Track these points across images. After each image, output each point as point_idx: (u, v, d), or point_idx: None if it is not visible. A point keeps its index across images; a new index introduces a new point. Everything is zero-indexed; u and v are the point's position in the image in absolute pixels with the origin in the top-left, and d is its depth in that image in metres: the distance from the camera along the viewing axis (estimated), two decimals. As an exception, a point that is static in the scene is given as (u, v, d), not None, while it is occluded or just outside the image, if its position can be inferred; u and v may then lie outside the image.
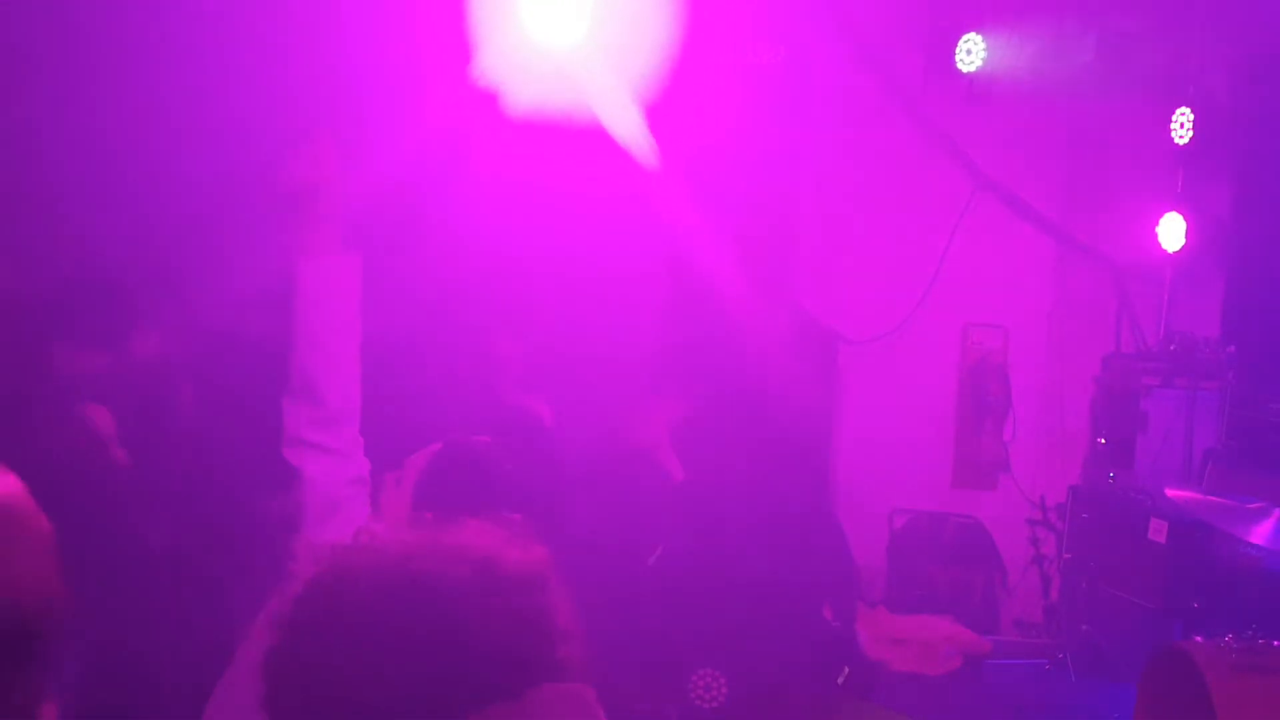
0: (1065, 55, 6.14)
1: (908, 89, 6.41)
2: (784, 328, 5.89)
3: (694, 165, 5.48)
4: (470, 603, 1.35)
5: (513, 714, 1.33)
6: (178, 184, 4.54)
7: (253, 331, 3.55)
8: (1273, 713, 3.97)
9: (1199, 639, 4.34)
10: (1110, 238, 6.59)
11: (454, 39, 4.71)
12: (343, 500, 2.37)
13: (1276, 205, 6.12)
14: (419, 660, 1.32)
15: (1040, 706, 5.55)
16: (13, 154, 4.64)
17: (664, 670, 3.45)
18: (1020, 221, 6.58)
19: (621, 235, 5.43)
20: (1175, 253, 6.45)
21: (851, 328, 6.45)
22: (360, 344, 2.47)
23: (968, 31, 6.19)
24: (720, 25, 5.36)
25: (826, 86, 6.29)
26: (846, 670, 4.51)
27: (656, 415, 4.48)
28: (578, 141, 5.04)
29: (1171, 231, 6.42)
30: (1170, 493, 4.83)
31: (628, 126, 5.12)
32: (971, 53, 6.20)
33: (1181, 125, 6.36)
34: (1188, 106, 6.35)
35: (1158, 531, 5.59)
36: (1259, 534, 4.41)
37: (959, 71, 6.23)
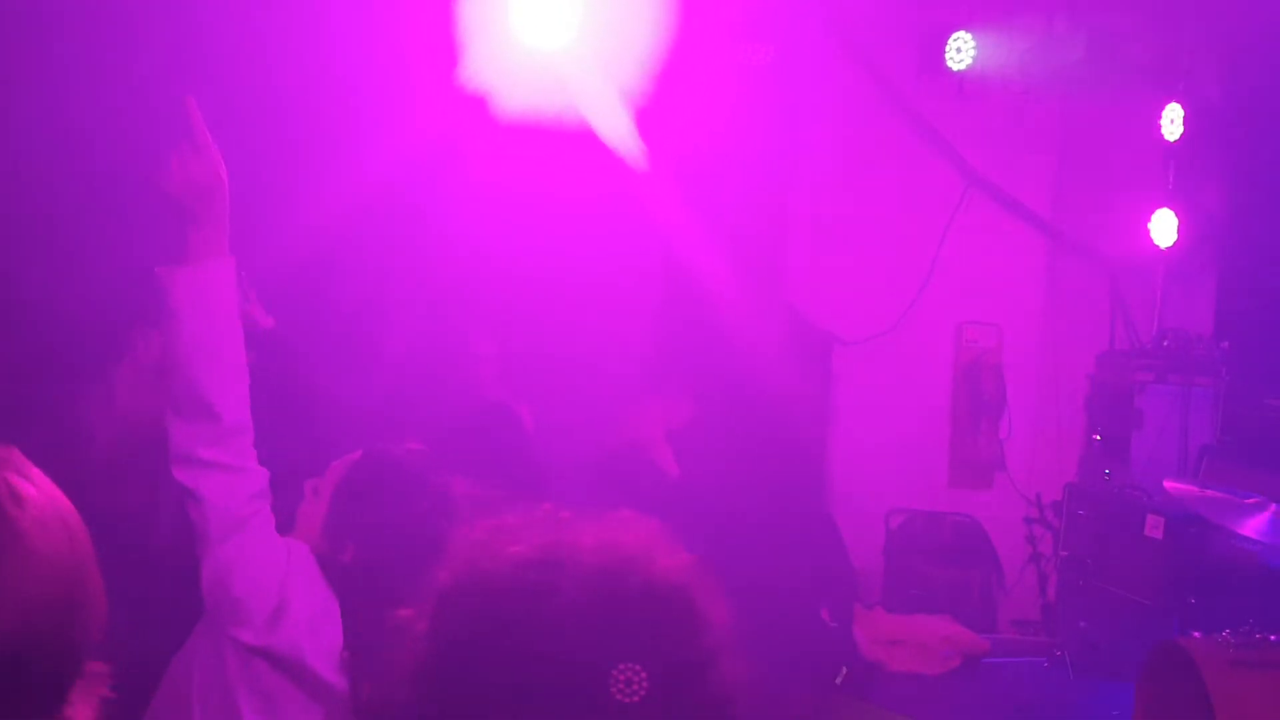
0: (1055, 53, 6.14)
1: (899, 87, 6.40)
2: (777, 328, 5.88)
3: (685, 166, 5.47)
4: (618, 613, 1.30)
5: None
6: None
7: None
8: (1270, 707, 3.96)
9: (1196, 635, 4.34)
10: (1103, 234, 6.58)
11: (442, 43, 4.70)
12: (246, 517, 2.27)
13: (1268, 200, 6.12)
14: (570, 673, 1.28)
15: (1039, 705, 5.54)
16: None
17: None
18: (1012, 219, 6.58)
19: (612, 236, 5.42)
20: (1168, 249, 6.44)
21: (845, 328, 6.44)
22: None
23: (958, 30, 6.20)
24: (710, 25, 5.35)
25: (817, 85, 6.27)
26: (844, 670, 4.52)
27: (651, 412, 4.46)
28: (568, 143, 5.03)
29: (1163, 228, 6.42)
30: (1168, 485, 4.82)
31: (617, 128, 5.11)
32: (962, 51, 6.20)
33: (1172, 121, 6.36)
34: (1178, 103, 6.35)
35: (1154, 528, 5.58)
36: (1255, 528, 4.40)
37: (949, 70, 6.23)
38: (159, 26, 4.65)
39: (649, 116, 5.18)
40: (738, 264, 5.63)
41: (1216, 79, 6.39)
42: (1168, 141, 6.40)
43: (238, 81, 4.67)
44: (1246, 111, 6.25)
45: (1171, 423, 6.29)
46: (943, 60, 6.23)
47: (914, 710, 5.35)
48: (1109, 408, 6.48)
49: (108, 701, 1.29)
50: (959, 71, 6.23)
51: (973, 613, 6.24)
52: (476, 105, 4.85)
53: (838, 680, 3.66)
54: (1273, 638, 4.19)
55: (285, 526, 2.43)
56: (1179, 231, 6.42)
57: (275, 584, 2.30)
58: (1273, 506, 4.42)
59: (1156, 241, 6.45)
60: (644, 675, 1.27)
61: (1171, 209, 6.43)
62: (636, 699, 1.26)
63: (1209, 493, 4.69)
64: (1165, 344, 6.43)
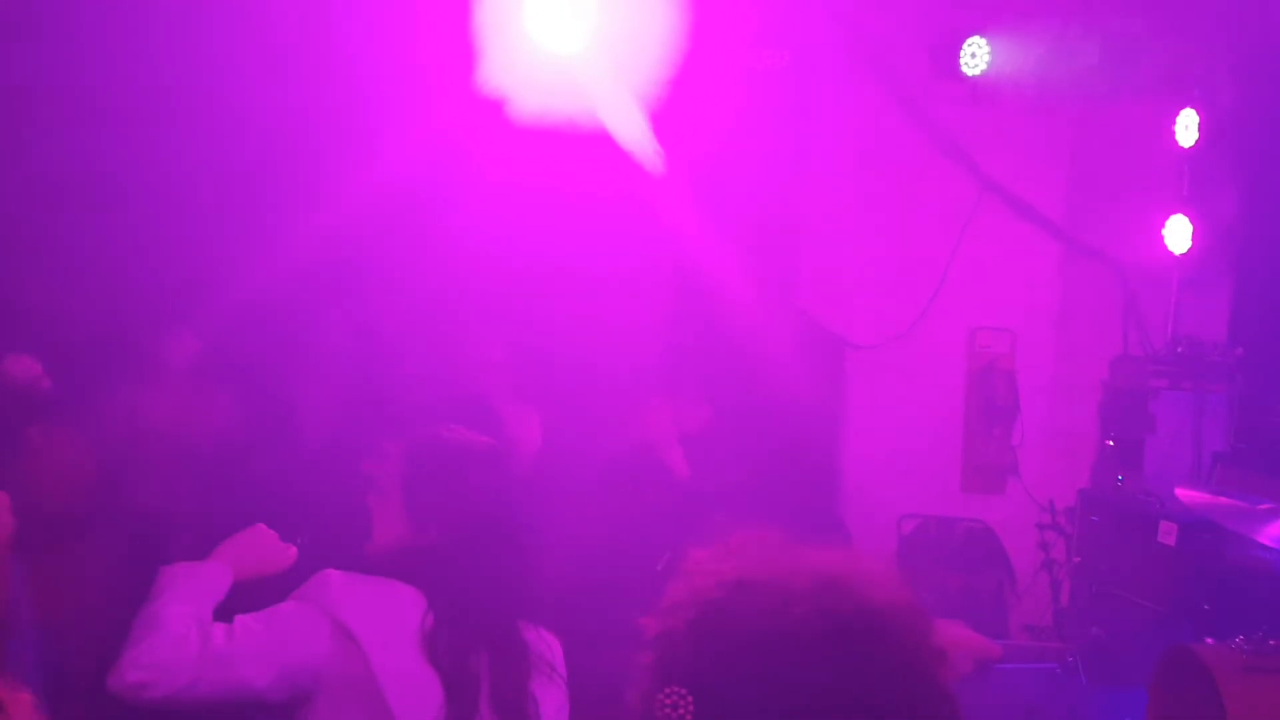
0: (1069, 58, 6.13)
1: (912, 93, 6.39)
2: (789, 332, 5.88)
3: (698, 170, 5.47)
4: (841, 646, 1.31)
5: None
6: (176, 187, 4.56)
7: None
8: (1285, 714, 3.95)
9: (1209, 641, 4.32)
10: (1116, 240, 6.57)
11: (458, 46, 4.72)
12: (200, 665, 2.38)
13: (1283, 207, 6.11)
14: (790, 691, 1.29)
15: (1051, 710, 5.52)
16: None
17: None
18: (1026, 225, 6.56)
19: (625, 239, 5.43)
20: (1182, 255, 6.43)
21: (858, 333, 6.43)
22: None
23: (971, 35, 6.18)
24: (724, 30, 5.35)
25: (831, 90, 6.27)
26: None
27: (662, 413, 4.47)
28: (582, 147, 5.04)
29: (1178, 234, 6.41)
30: (1180, 493, 4.81)
31: (632, 132, 5.13)
32: (976, 56, 6.19)
33: (1186, 127, 6.35)
34: (1193, 108, 6.33)
35: (1167, 534, 5.57)
36: (1268, 535, 4.39)
37: (963, 75, 6.21)
38: (174, 29, 4.68)
39: (663, 120, 5.19)
40: (750, 268, 5.64)
41: (1231, 85, 6.37)
42: (1182, 147, 6.39)
43: (254, 85, 4.70)
44: (1262, 117, 6.24)
45: (1185, 429, 6.28)
46: (957, 65, 6.22)
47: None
48: (1122, 413, 6.46)
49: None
50: (973, 77, 6.21)
51: (985, 618, 6.22)
52: (492, 108, 4.87)
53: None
54: (1286, 644, 4.17)
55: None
56: (1193, 238, 6.40)
57: (312, 643, 2.40)
58: (1286, 513, 4.41)
59: (1171, 248, 6.43)
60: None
61: (1186, 215, 6.41)
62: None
63: (1222, 499, 4.68)
64: (1179, 350, 6.41)
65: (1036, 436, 6.61)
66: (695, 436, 4.63)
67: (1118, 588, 5.87)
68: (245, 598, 2.49)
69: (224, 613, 2.42)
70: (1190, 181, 6.47)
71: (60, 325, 4.19)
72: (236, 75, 4.67)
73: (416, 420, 2.93)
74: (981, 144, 6.46)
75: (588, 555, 3.86)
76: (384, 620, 2.42)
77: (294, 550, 2.58)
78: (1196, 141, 6.34)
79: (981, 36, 6.18)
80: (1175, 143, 6.38)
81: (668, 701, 1.29)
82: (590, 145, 5.07)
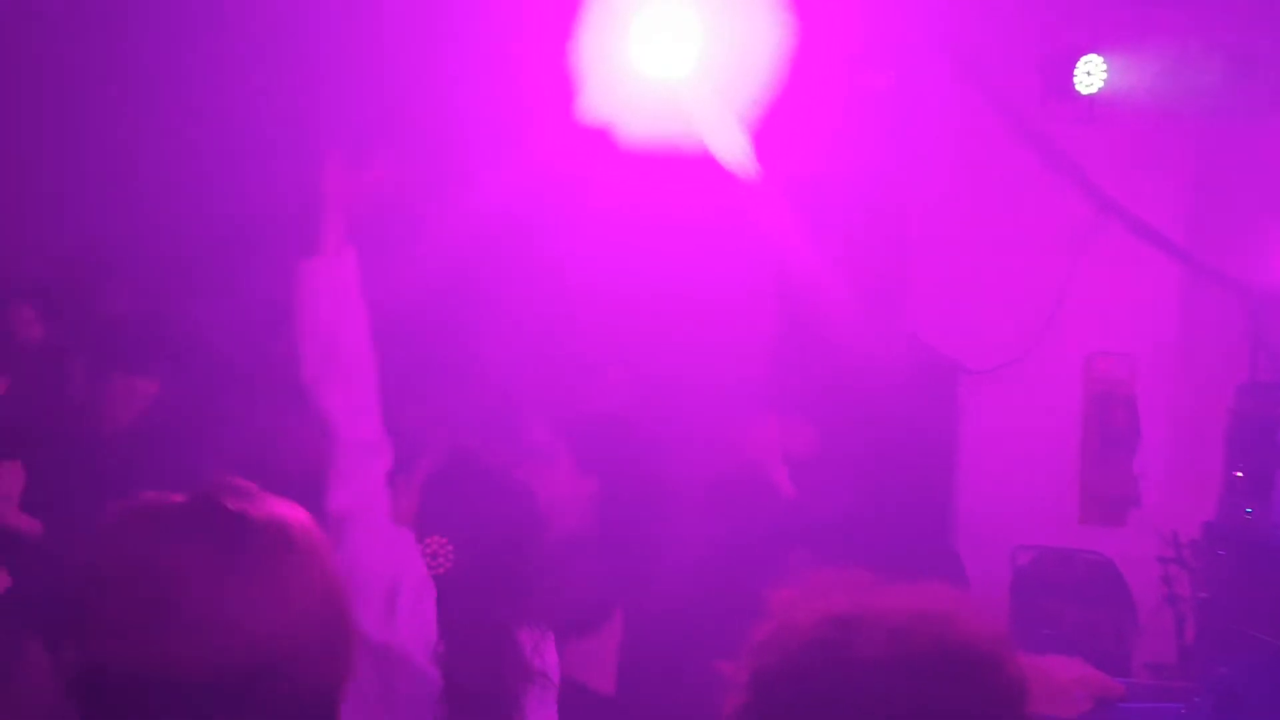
0: (1190, 75, 5.98)
1: (1024, 112, 6.28)
2: (899, 355, 5.80)
3: (803, 192, 5.44)
4: (939, 683, 1.31)
5: None
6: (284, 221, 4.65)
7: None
8: None
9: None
10: (1242, 262, 6.34)
11: (561, 74, 4.74)
12: (377, 507, 2.44)
13: None
14: None
15: (1177, 752, 5.31)
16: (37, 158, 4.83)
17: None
18: (1145, 246, 6.38)
19: (728, 262, 5.41)
20: (1313, 277, 6.19)
21: (971, 357, 6.31)
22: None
23: (1086, 53, 6.07)
24: (829, 51, 5.31)
25: (940, 110, 6.20)
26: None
27: (768, 432, 4.43)
28: (686, 170, 5.03)
29: (1308, 255, 6.17)
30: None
31: (735, 154, 5.09)
32: (1091, 74, 6.06)
33: (1316, 144, 6.12)
34: (1321, 125, 6.11)
35: (1300, 569, 5.34)
36: None
37: (1078, 93, 6.09)
38: (281, 64, 4.78)
39: (767, 142, 5.16)
40: (859, 290, 5.57)
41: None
42: (1311, 166, 6.16)
43: (360, 116, 4.78)
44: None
45: (1318, 459, 6.02)
46: (1071, 84, 6.10)
47: (1043, 754, 5.17)
48: (1250, 443, 6.21)
49: None
50: (1089, 95, 6.09)
51: (1105, 655, 6.01)
52: (596, 135, 4.89)
53: None
54: None
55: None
56: (1324, 258, 6.16)
57: (389, 572, 2.42)
58: None
59: (1299, 269, 6.20)
60: None
61: (1315, 235, 6.18)
62: None
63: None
64: (1311, 376, 6.17)
65: (1159, 466, 6.41)
66: (803, 460, 4.57)
67: (1246, 625, 5.63)
68: None
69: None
70: (1319, 200, 6.23)
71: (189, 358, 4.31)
72: (343, 107, 4.75)
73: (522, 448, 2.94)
74: (1098, 163, 6.32)
75: (696, 575, 3.82)
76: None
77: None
78: (1326, 159, 6.10)
79: (1097, 54, 6.06)
80: (1303, 161, 6.15)
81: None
82: (694, 168, 5.05)
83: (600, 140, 4.88)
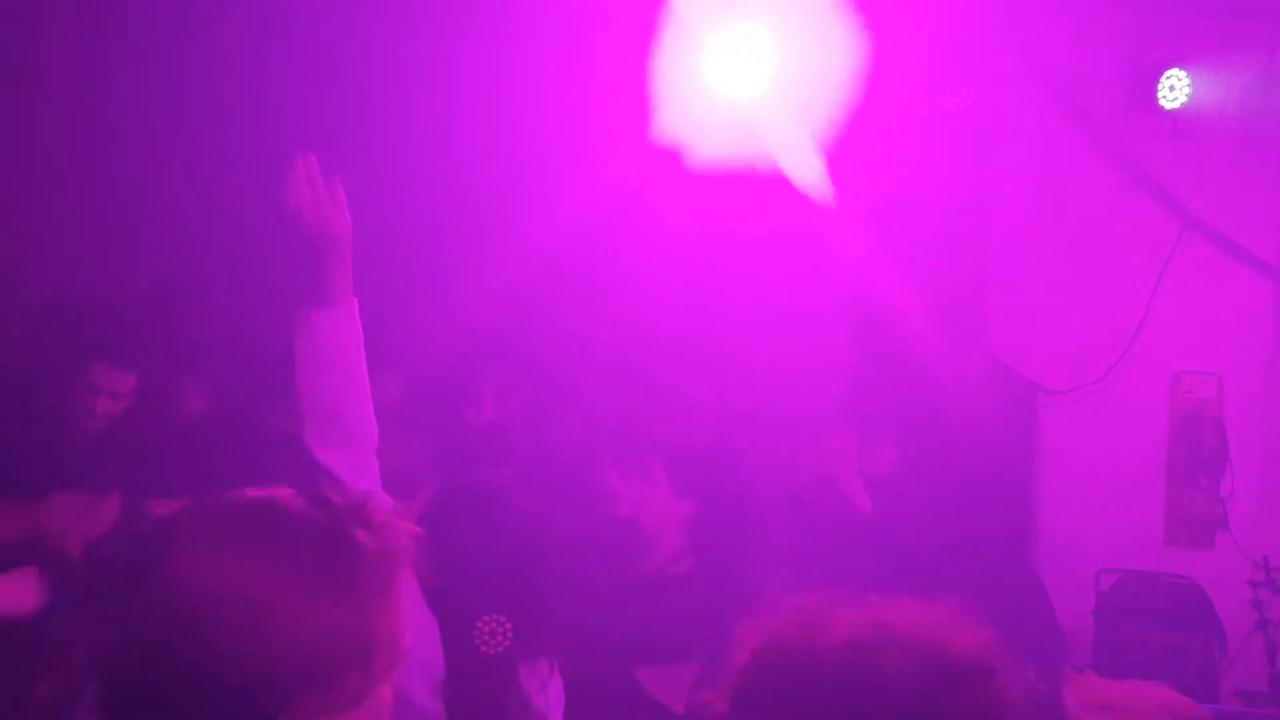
0: (1276, 88, 5.87)
1: (1107, 128, 6.19)
2: (978, 374, 5.74)
3: (879, 211, 5.41)
4: (920, 697, 1.33)
5: None
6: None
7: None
8: None
9: None
10: (1334, 278, 6.20)
11: (635, 95, 4.77)
12: None
13: None
14: None
15: (1269, 783, 5.16)
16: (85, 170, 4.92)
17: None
18: (1233, 263, 6.25)
19: (805, 283, 5.39)
20: None
21: (1052, 377, 6.21)
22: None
23: (1170, 67, 5.97)
24: (906, 70, 5.28)
25: (1020, 127, 6.14)
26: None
27: (845, 445, 4.40)
28: (760, 191, 5.03)
29: (1404, 271, 6.01)
30: None
31: (810, 174, 5.08)
32: (1175, 89, 5.97)
33: None
34: None
35: (1399, 594, 5.17)
36: None
37: (1161, 109, 6.00)
38: (358, 83, 4.85)
39: (842, 161, 5.14)
40: (936, 309, 5.52)
41: None
42: (1406, 179, 6.01)
43: (434, 138, 4.84)
44: None
45: None
46: (1154, 99, 6.01)
47: (1129, 782, 5.06)
48: (1344, 464, 6.07)
49: None
50: (1172, 110, 5.99)
51: (1192, 680, 5.87)
52: (670, 156, 4.90)
53: None
54: None
55: None
56: None
57: None
58: None
59: (1396, 285, 6.03)
60: None
61: None
62: None
63: None
64: (1407, 396, 5.99)
65: (1248, 488, 6.25)
66: (883, 480, 4.53)
67: (1343, 652, 5.47)
68: None
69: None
70: None
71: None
72: (416, 129, 4.82)
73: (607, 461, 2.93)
74: (1182, 179, 6.21)
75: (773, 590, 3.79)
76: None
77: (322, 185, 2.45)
78: None
79: (1181, 68, 5.96)
80: (1399, 174, 6.00)
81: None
82: (768, 188, 5.05)
83: (675, 161, 4.90)
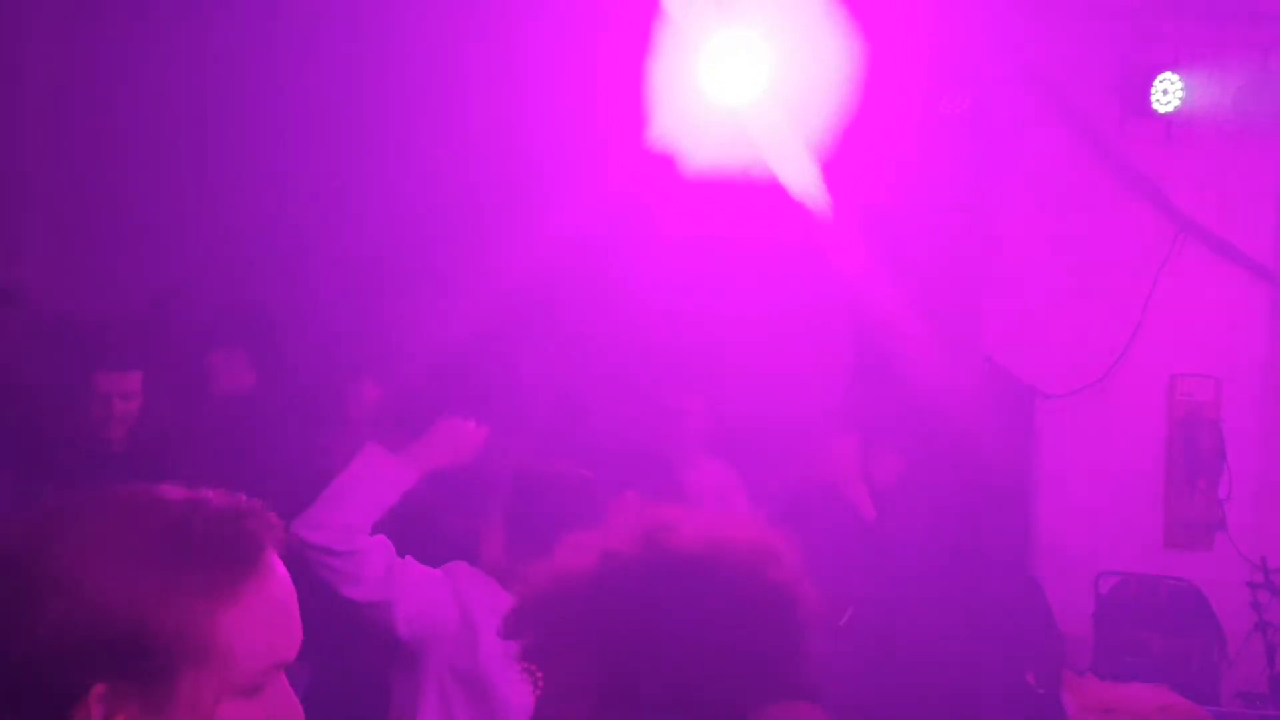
0: (1269, 92, 5.88)
1: (1101, 132, 6.20)
2: (975, 380, 5.73)
3: (875, 217, 5.41)
4: (704, 602, 1.38)
5: None
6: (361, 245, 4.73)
7: None
8: None
9: None
10: (1329, 280, 6.21)
11: (632, 104, 4.77)
12: (385, 574, 2.73)
13: None
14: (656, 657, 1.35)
15: (1270, 784, 5.16)
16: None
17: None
18: (1229, 266, 6.26)
19: (801, 288, 5.39)
20: (1404, 295, 6.03)
21: (1049, 380, 6.22)
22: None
23: (1163, 71, 5.98)
24: (902, 75, 5.29)
25: (1015, 132, 6.15)
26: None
27: (846, 451, 4.40)
28: (756, 197, 5.03)
29: (1399, 272, 6.01)
30: None
31: (806, 181, 5.08)
32: (1168, 93, 5.97)
33: (1406, 158, 5.98)
34: None
35: (1397, 595, 5.17)
36: None
37: (1155, 113, 6.00)
38: (353, 88, 4.85)
39: (838, 167, 5.14)
40: (932, 315, 5.52)
41: None
42: (1401, 180, 6.02)
43: (430, 144, 4.84)
44: None
45: None
46: (1148, 103, 6.01)
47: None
48: (1342, 465, 6.07)
49: None
50: (1166, 114, 6.00)
51: (1192, 683, 5.87)
52: (665, 164, 4.90)
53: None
54: None
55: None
56: None
57: (449, 606, 2.66)
58: None
59: (1391, 287, 6.04)
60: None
61: (1407, 251, 6.02)
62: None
63: None
64: (1404, 396, 6.00)
65: (1246, 490, 6.26)
66: (886, 487, 4.53)
67: (1342, 653, 5.47)
68: None
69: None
70: None
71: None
72: (414, 138, 4.82)
73: (603, 471, 2.98)
74: (1177, 182, 6.21)
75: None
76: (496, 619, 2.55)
77: (483, 432, 2.81)
78: None
79: (1174, 72, 5.97)
80: (1393, 175, 6.01)
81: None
82: (763, 195, 5.05)
83: (671, 167, 4.90)
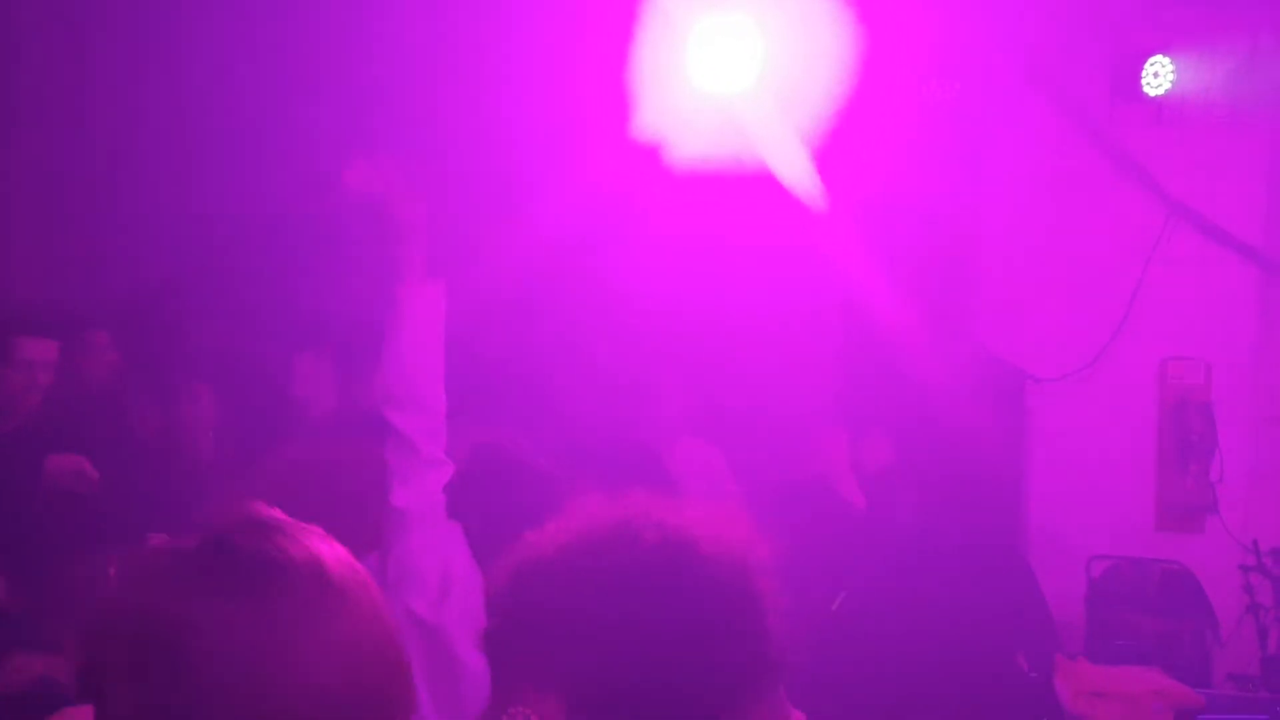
0: (1262, 72, 5.88)
1: (1092, 116, 6.20)
2: (967, 365, 5.73)
3: (867, 205, 5.40)
4: (668, 589, 1.38)
5: None
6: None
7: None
8: None
9: None
10: (1321, 262, 6.22)
11: (617, 92, 4.75)
12: (437, 504, 2.64)
13: None
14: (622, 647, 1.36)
15: (1261, 766, 5.18)
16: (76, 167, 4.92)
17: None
18: (1220, 249, 6.26)
19: (790, 277, 5.38)
20: (1394, 277, 6.04)
21: (1040, 365, 6.23)
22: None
23: (1154, 54, 5.98)
24: (892, 62, 5.27)
25: (1006, 118, 6.15)
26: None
27: (837, 444, 4.41)
28: (745, 188, 5.02)
29: (1389, 254, 6.02)
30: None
31: (796, 170, 5.07)
32: (1159, 75, 5.98)
33: (1395, 140, 5.98)
34: (1401, 120, 5.97)
35: (1388, 576, 5.19)
36: None
37: (1146, 96, 6.01)
38: (334, 84, 4.83)
39: (829, 156, 5.13)
40: (923, 302, 5.52)
41: None
42: (1391, 162, 6.02)
43: (413, 142, 4.82)
44: None
45: (1404, 463, 5.87)
46: (1139, 86, 6.02)
47: (1123, 768, 5.07)
48: (1332, 447, 6.09)
49: None
50: (1156, 97, 6.00)
51: (1185, 666, 5.88)
52: (652, 153, 4.89)
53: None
54: None
55: None
56: (1406, 258, 6.01)
57: (442, 563, 2.63)
58: None
59: (1381, 268, 6.05)
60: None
61: (1397, 233, 6.03)
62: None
63: None
64: (1394, 378, 6.01)
65: (1237, 473, 6.27)
66: (876, 474, 4.53)
67: (1333, 634, 5.49)
68: None
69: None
70: (1401, 198, 6.09)
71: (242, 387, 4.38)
72: (395, 132, 4.80)
73: (585, 467, 2.99)
74: (1168, 166, 6.22)
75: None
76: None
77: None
78: (1407, 155, 5.96)
79: (1165, 55, 5.97)
80: (1383, 157, 6.01)
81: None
82: (752, 185, 5.03)
83: (658, 158, 4.88)
